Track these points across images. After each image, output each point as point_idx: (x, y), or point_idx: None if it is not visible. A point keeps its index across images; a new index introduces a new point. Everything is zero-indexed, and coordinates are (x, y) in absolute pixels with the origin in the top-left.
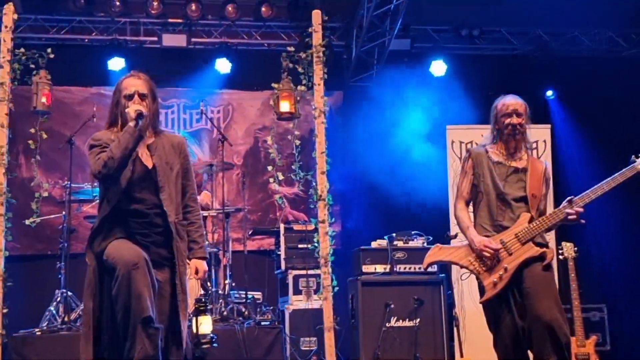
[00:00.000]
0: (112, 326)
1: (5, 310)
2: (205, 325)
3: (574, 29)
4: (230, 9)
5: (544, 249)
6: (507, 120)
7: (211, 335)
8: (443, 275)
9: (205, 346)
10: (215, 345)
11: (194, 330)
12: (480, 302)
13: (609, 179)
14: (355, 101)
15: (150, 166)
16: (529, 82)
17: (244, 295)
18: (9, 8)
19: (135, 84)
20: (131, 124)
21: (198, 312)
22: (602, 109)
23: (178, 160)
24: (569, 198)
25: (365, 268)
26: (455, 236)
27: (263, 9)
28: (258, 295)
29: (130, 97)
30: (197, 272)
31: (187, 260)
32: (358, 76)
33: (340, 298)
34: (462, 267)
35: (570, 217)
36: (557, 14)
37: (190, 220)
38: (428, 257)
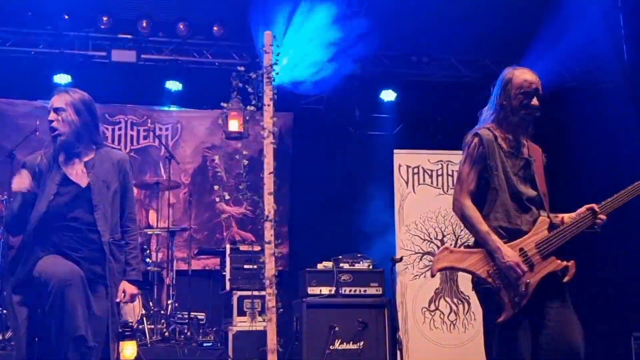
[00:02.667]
0: (46, 344)
1: None
2: (128, 350)
3: (520, 59)
4: (181, 26)
5: (567, 263)
6: (529, 102)
7: None
8: (388, 298)
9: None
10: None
11: (116, 355)
12: (499, 322)
13: (635, 183)
14: (305, 123)
15: (84, 185)
16: (475, 110)
17: (186, 316)
18: None
19: (53, 100)
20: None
21: (123, 337)
22: (547, 138)
23: (117, 178)
24: (589, 206)
25: (311, 290)
26: (401, 259)
27: (215, 28)
28: (201, 315)
29: (49, 113)
30: (125, 295)
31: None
32: (308, 98)
33: (285, 320)
34: (478, 278)
35: (596, 226)
36: (504, 43)
37: (127, 241)
38: (438, 262)
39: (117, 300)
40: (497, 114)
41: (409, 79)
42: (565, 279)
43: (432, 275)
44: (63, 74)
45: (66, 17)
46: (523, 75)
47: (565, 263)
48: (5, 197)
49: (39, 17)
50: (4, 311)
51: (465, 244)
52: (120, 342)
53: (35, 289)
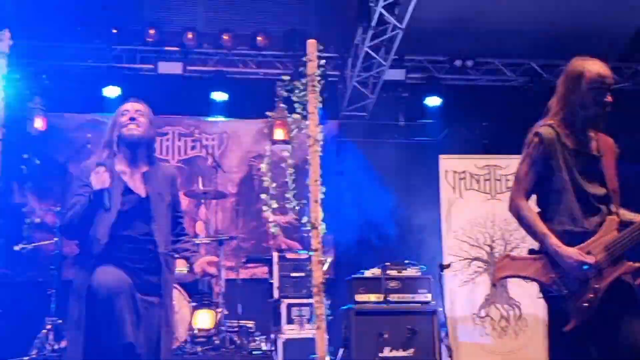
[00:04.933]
0: (98, 354)
1: None
2: (201, 318)
3: (565, 62)
4: (226, 38)
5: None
6: (602, 99)
7: (213, 329)
8: (437, 304)
9: (200, 339)
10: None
11: (192, 323)
12: (565, 331)
13: None
14: (350, 130)
15: (143, 195)
16: (522, 113)
17: (236, 324)
18: (4, 34)
19: (134, 104)
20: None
21: (199, 306)
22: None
23: (169, 191)
24: None
25: (359, 297)
26: (449, 266)
27: (259, 38)
28: (251, 324)
29: (127, 114)
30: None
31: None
32: (353, 105)
33: (333, 327)
34: (542, 285)
35: None
36: (548, 46)
37: (184, 247)
38: (500, 271)
39: (207, 271)
40: (564, 110)
41: (454, 83)
42: (637, 282)
43: (494, 285)
44: (112, 87)
45: (114, 31)
46: (595, 68)
47: (637, 265)
48: (59, 208)
49: (89, 31)
50: (58, 320)
51: (530, 248)
52: (195, 311)
53: (89, 299)
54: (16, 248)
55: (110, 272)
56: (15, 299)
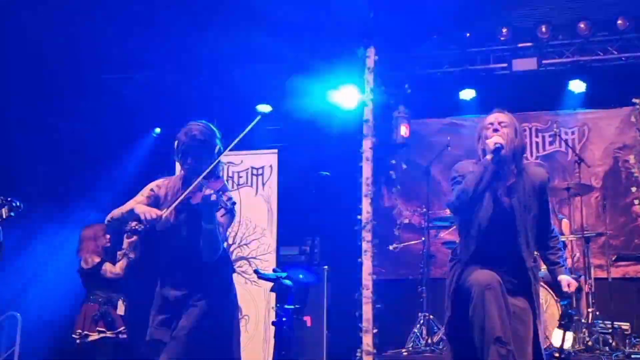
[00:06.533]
0: (471, 350)
1: (375, 331)
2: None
3: None
4: (582, 26)
5: None
6: None
7: (570, 351)
8: None
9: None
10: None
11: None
12: None
13: None
14: None
15: (508, 208)
16: None
17: (609, 325)
18: (370, 51)
19: (497, 115)
20: (488, 156)
21: (566, 327)
22: None
23: (537, 202)
24: None
25: None
26: None
27: (619, 21)
28: (626, 325)
29: (490, 125)
30: (568, 286)
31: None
32: None
33: None
34: None
35: None
36: None
37: (553, 251)
38: None
39: (566, 289)
40: None
41: None
42: None
43: None
44: (467, 90)
45: (468, 35)
46: None
47: None
48: (424, 210)
49: (444, 38)
50: (430, 316)
51: None
52: (565, 332)
53: (458, 298)
54: (390, 248)
55: (482, 271)
56: (389, 296)
